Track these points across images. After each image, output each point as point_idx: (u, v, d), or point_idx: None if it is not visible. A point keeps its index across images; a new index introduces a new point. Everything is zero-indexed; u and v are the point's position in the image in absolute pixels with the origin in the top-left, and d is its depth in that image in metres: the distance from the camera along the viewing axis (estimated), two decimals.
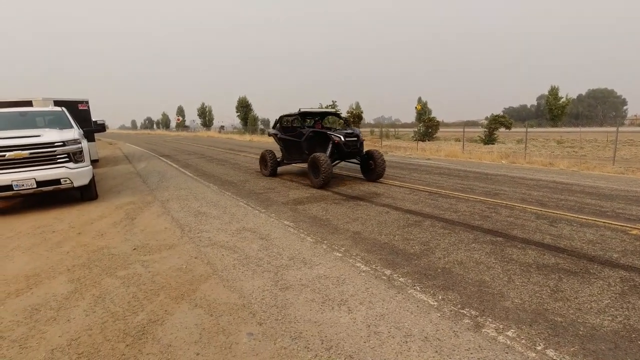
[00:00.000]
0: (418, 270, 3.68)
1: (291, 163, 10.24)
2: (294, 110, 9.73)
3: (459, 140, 24.16)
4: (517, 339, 2.51)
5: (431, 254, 4.12)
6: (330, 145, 8.50)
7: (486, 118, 36.38)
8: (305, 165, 9.33)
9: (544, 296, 3.12)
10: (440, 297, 3.12)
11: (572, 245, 4.35)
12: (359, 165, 9.51)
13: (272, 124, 11.40)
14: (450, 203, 6.63)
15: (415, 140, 30.09)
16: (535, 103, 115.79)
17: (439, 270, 3.68)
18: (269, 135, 11.10)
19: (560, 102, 63.29)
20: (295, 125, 10.90)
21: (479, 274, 3.57)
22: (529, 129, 23.75)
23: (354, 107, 64.60)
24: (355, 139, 8.56)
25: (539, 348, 2.42)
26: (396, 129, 50.39)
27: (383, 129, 34.85)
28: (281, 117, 10.55)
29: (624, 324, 2.70)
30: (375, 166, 8.87)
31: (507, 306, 2.97)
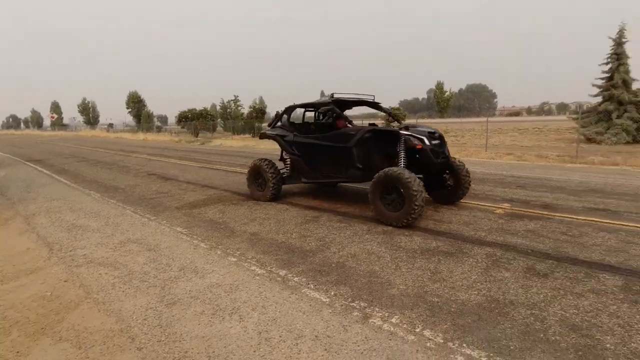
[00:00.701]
0: (313, 267, 3.71)
1: (316, 182, 6.58)
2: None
3: None
4: (400, 325, 2.66)
5: (327, 249, 4.20)
6: (402, 153, 5.33)
7: None
8: (314, 181, 6.46)
9: (424, 279, 3.39)
10: (332, 293, 3.17)
11: (450, 228, 4.84)
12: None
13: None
14: (346, 196, 6.89)
15: None
16: (425, 96, 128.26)
17: (334, 265, 3.76)
18: (263, 137, 7.15)
19: (445, 95, 71.17)
20: (318, 121, 7.43)
21: (370, 265, 3.73)
22: (420, 120, 26.11)
23: (257, 102, 63.43)
24: (439, 141, 5.62)
25: (417, 330, 2.59)
26: None
27: None
28: (289, 109, 6.92)
29: (487, 296, 3.05)
30: (458, 182, 5.93)
31: (393, 294, 3.14)
